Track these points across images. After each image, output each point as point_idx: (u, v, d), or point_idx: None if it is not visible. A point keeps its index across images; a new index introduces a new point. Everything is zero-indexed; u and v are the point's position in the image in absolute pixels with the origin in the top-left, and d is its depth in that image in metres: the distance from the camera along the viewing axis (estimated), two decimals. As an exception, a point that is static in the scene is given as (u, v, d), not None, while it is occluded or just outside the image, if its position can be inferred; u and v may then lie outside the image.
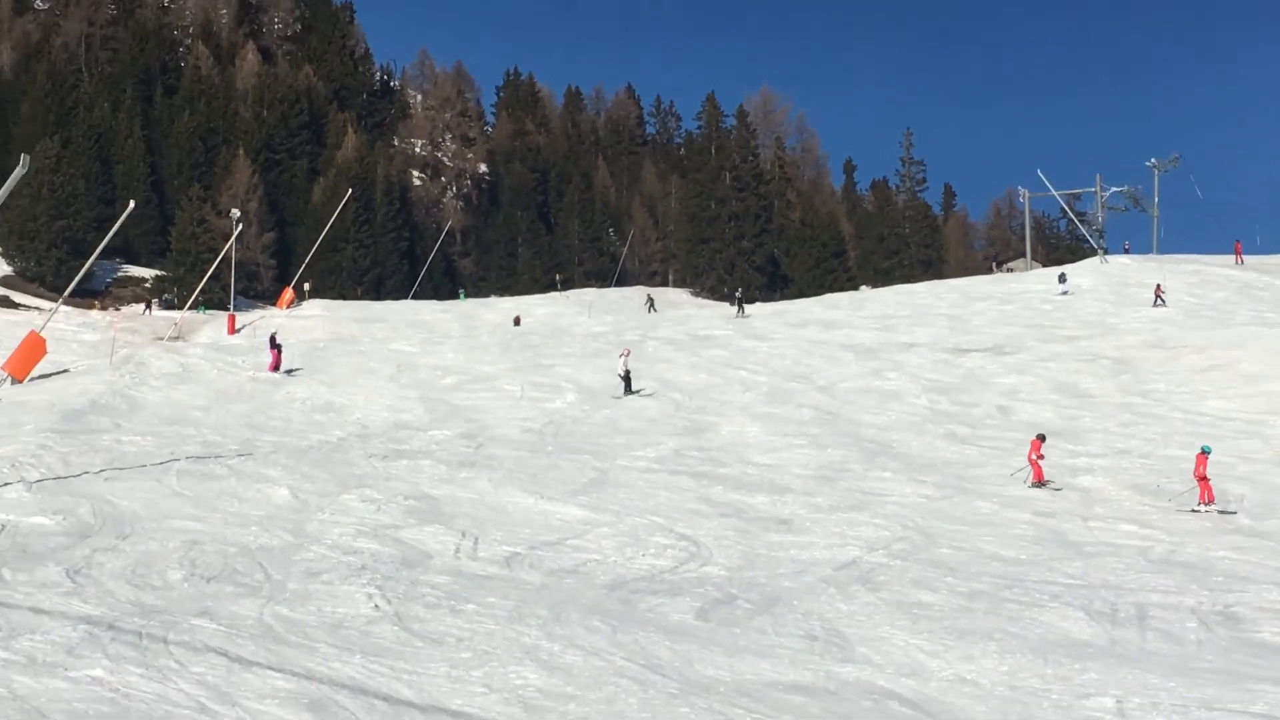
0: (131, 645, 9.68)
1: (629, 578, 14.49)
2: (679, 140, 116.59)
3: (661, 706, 9.26)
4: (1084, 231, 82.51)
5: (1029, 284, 55.84)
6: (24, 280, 64.41)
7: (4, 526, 14.53)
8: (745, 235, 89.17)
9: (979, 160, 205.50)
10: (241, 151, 77.22)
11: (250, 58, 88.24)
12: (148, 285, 68.09)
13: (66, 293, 39.54)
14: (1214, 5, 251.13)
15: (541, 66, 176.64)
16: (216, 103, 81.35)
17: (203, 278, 56.41)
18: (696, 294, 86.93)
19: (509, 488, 19.94)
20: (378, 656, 10.05)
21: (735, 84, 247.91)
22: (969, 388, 32.71)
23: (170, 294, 65.70)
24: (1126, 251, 70.02)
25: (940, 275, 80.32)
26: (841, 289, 75.54)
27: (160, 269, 69.59)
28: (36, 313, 55.63)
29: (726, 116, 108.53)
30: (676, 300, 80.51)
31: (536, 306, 65.28)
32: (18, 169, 20.95)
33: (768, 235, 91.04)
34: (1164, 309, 45.14)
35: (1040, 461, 22.24)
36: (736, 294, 57.30)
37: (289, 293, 66.81)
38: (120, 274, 69.46)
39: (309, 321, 55.61)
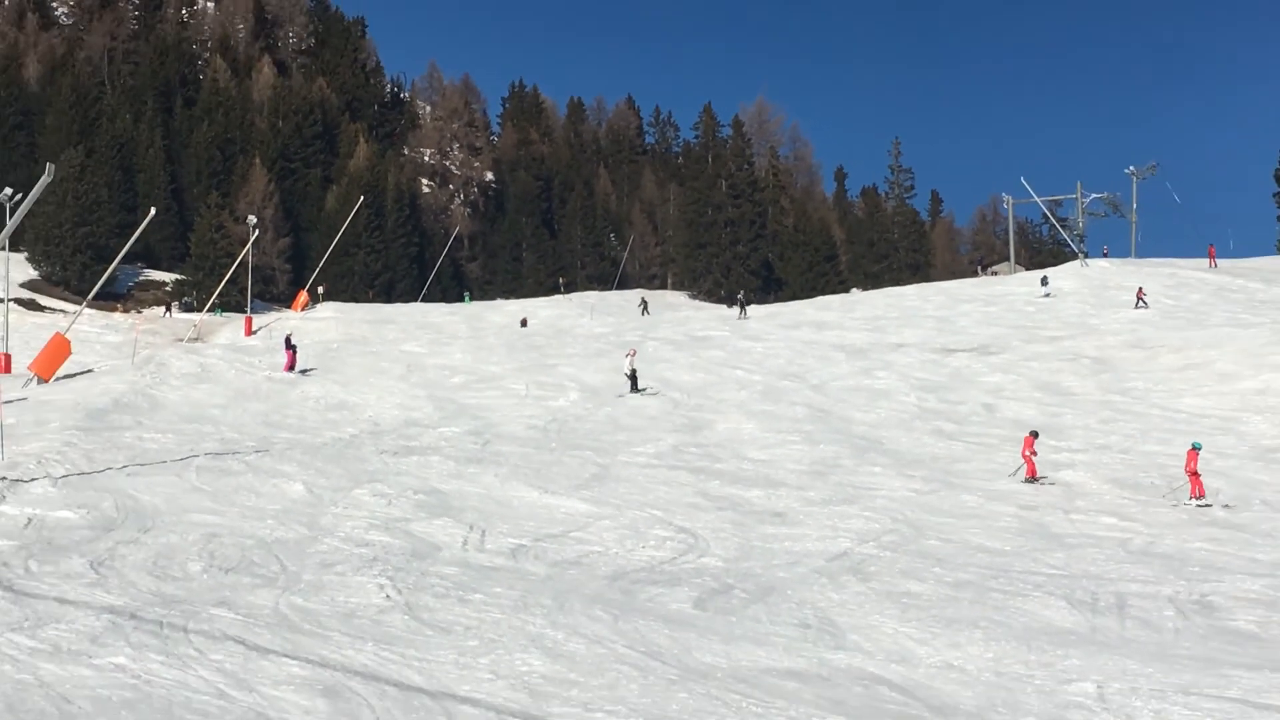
0: (153, 634, 9.90)
1: (629, 569, 14.68)
2: (677, 149, 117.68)
3: (661, 692, 9.44)
4: (1065, 236, 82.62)
5: (1013, 287, 56.49)
6: (49, 284, 65.22)
7: (31, 520, 14.76)
8: (741, 240, 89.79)
9: (965, 168, 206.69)
10: (258, 160, 78.00)
11: (266, 71, 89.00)
12: (168, 289, 68.83)
13: (90, 296, 40.27)
14: (1190, 19, 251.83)
15: (546, 78, 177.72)
16: (234, 114, 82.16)
17: (221, 282, 57.09)
18: (694, 296, 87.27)
19: (515, 483, 20.16)
20: (389, 644, 10.24)
21: (731, 95, 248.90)
22: (955, 386, 33.13)
23: (190, 297, 66.44)
24: (1106, 256, 70.48)
25: (928, 278, 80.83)
26: (833, 292, 76.05)
27: (180, 273, 70.41)
28: (62, 315, 56.33)
29: (723, 126, 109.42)
30: (675, 303, 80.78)
31: (541, 309, 65.70)
32: (43, 178, 21.57)
33: (762, 240, 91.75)
34: (1144, 310, 45.91)
35: (1034, 458, 22.55)
36: (739, 296, 57.45)
37: (303, 296, 67.38)
38: (142, 278, 70.21)
39: (322, 323, 56.16)
